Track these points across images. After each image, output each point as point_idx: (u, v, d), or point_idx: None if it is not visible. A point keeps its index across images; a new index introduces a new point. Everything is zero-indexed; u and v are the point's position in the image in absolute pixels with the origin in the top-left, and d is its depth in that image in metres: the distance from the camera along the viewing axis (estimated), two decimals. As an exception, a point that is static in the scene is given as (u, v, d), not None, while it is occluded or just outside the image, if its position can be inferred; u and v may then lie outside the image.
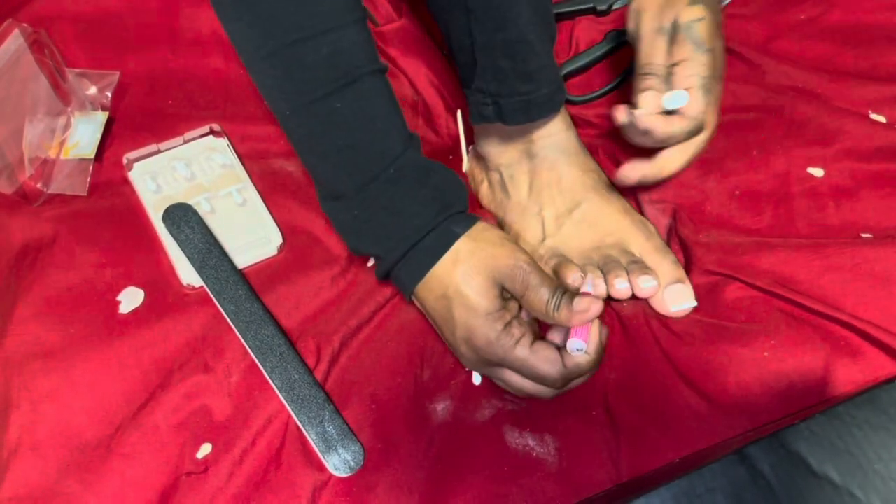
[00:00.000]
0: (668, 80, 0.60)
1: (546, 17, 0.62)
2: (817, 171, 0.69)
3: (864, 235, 0.65)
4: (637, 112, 0.59)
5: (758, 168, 0.70)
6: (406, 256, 0.58)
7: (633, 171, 0.63)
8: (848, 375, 0.59)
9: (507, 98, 0.63)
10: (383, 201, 0.58)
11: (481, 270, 0.56)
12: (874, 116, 0.72)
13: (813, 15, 0.79)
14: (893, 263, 0.62)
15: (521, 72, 0.62)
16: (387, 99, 0.58)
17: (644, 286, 0.63)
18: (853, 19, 0.79)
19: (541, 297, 0.55)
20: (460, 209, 0.59)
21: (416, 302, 0.62)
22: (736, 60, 0.76)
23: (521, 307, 0.59)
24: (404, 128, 0.59)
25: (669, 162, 0.62)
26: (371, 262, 0.68)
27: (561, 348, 0.57)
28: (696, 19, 0.59)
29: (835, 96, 0.73)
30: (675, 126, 0.59)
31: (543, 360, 0.55)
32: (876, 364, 0.59)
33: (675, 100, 0.58)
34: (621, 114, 0.61)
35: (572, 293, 0.56)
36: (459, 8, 0.61)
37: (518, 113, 0.64)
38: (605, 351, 0.58)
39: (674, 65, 0.60)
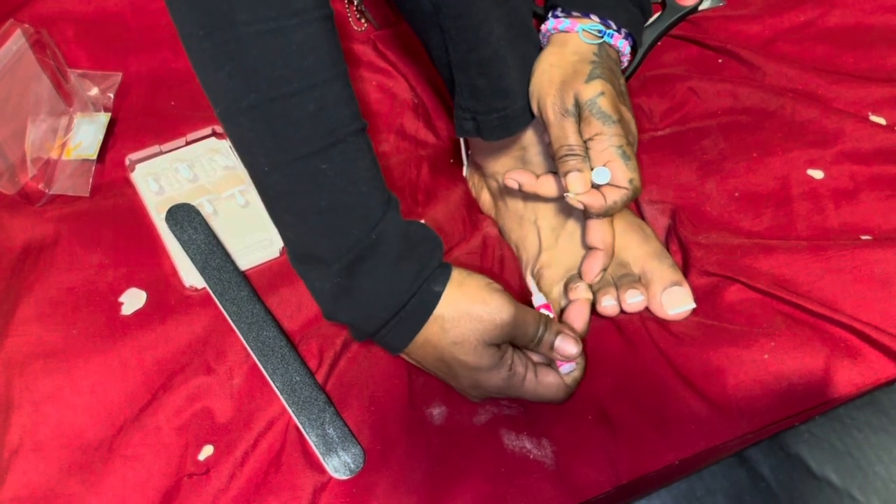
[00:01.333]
0: (587, 156, 0.60)
1: (522, 28, 0.63)
2: (817, 173, 0.69)
3: (863, 237, 0.65)
4: (570, 197, 0.60)
5: (757, 170, 0.70)
6: (388, 324, 0.57)
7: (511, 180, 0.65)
8: (848, 377, 0.59)
9: (484, 115, 0.63)
10: (365, 268, 0.55)
11: (470, 336, 0.56)
12: (874, 118, 0.72)
13: (812, 17, 0.79)
14: (893, 265, 0.63)
15: (497, 88, 0.62)
16: (369, 160, 0.56)
17: (630, 301, 0.64)
18: (853, 21, 0.79)
19: (526, 335, 0.58)
20: (437, 264, 0.58)
21: (409, 356, 0.61)
22: (736, 62, 0.77)
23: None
24: (384, 188, 0.57)
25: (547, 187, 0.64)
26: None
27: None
28: (596, 95, 0.59)
29: (834, 98, 0.74)
30: (611, 198, 0.60)
31: (548, 387, 0.59)
32: (876, 366, 0.59)
33: (600, 177, 0.60)
34: (552, 189, 0.64)
35: (555, 332, 0.59)
36: (434, 28, 0.62)
37: (497, 129, 0.64)
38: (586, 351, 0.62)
39: (588, 140, 0.60)
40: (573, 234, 0.67)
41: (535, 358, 0.61)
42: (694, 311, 0.64)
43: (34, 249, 0.67)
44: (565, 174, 0.60)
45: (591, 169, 0.60)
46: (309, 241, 0.56)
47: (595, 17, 0.62)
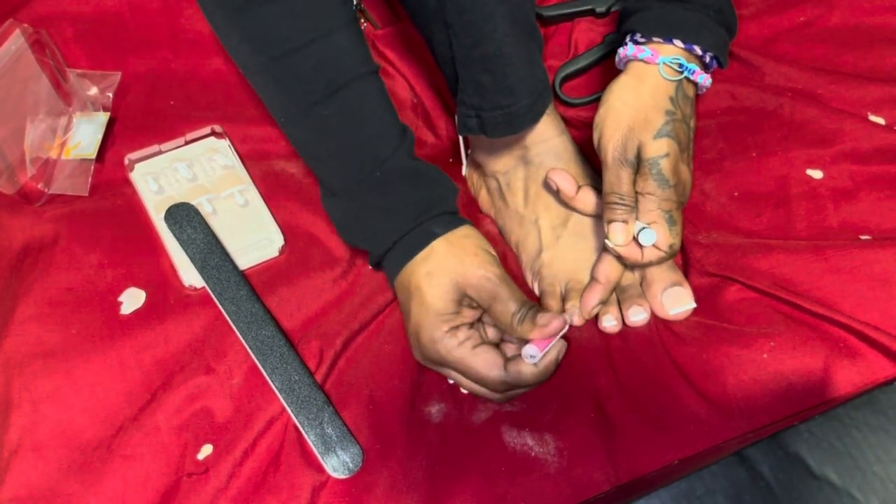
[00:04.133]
0: (635, 208, 0.60)
1: (527, 25, 0.62)
2: (816, 173, 0.69)
3: (863, 237, 0.66)
4: (610, 245, 0.61)
5: (757, 169, 0.70)
6: (389, 252, 0.62)
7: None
8: (847, 377, 0.59)
9: (488, 112, 0.63)
10: (371, 201, 0.61)
11: (446, 273, 0.59)
12: (873, 118, 0.72)
13: (812, 16, 0.79)
14: (892, 265, 0.63)
15: (501, 85, 0.62)
16: (376, 102, 0.61)
17: (634, 318, 0.64)
18: (852, 21, 0.79)
19: (507, 308, 0.58)
20: (446, 210, 0.62)
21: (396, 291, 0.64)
22: (735, 62, 0.77)
23: (479, 318, 0.61)
24: (394, 129, 0.62)
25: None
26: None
27: (508, 359, 0.59)
28: (660, 156, 0.58)
29: (834, 98, 0.74)
30: (647, 257, 0.61)
31: (483, 362, 0.58)
32: (875, 366, 0.59)
33: (646, 238, 0.59)
34: (589, 205, 0.65)
35: (538, 308, 0.58)
36: (439, 23, 0.61)
37: (500, 126, 0.64)
38: (558, 368, 0.60)
39: (639, 193, 0.60)
40: (574, 234, 0.67)
41: (490, 334, 0.62)
42: (694, 311, 0.64)
43: (33, 249, 0.67)
44: (610, 221, 0.60)
45: (637, 219, 0.60)
46: (328, 179, 0.63)
47: (679, 43, 0.60)
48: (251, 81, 0.62)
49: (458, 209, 0.63)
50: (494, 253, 0.61)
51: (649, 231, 0.59)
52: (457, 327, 0.59)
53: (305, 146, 0.63)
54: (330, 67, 0.59)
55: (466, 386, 0.60)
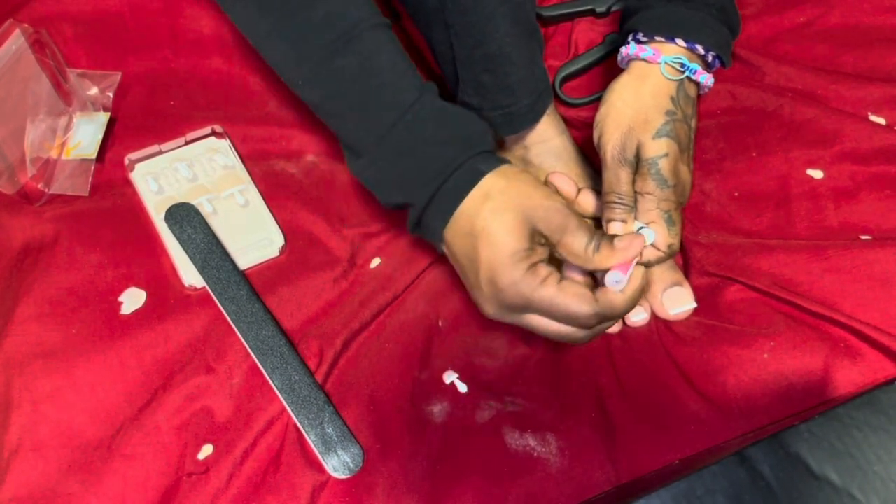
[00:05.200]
0: (634, 208, 0.60)
1: (528, 25, 0.62)
2: (816, 173, 0.69)
3: (863, 237, 0.66)
4: None
5: (757, 169, 0.70)
6: (433, 199, 0.56)
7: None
8: (847, 377, 0.59)
9: (489, 111, 0.63)
10: (404, 148, 0.56)
11: (513, 207, 0.53)
12: (874, 118, 0.72)
13: (812, 17, 0.79)
14: (892, 265, 0.63)
15: (502, 85, 0.62)
16: (392, 51, 0.58)
17: (634, 318, 0.64)
18: (852, 21, 0.79)
19: (579, 239, 0.53)
20: (485, 149, 0.57)
21: (445, 251, 0.58)
22: (735, 62, 0.77)
23: (549, 255, 0.56)
24: (416, 76, 0.58)
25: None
26: (373, 264, 0.68)
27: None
28: (659, 156, 0.58)
29: (834, 98, 0.74)
30: (646, 256, 0.60)
31: (573, 296, 0.53)
32: (875, 366, 0.59)
33: (645, 237, 0.58)
34: (589, 207, 0.64)
35: (611, 236, 0.55)
36: (440, 24, 0.61)
37: (501, 125, 0.64)
38: (642, 294, 0.57)
39: (638, 192, 0.59)
40: None
41: (568, 273, 0.57)
42: (694, 311, 0.64)
43: (33, 249, 0.67)
44: (609, 221, 0.60)
45: (635, 219, 0.60)
46: (353, 138, 0.59)
47: (681, 42, 0.60)
48: (262, 49, 0.60)
49: (496, 148, 0.59)
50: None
51: (649, 232, 0.59)
52: (535, 264, 0.53)
53: (326, 104, 0.59)
54: (340, 18, 0.57)
55: (551, 331, 0.55)
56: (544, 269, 0.54)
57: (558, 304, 0.53)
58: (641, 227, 0.59)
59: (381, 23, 0.58)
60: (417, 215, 0.57)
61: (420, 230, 0.59)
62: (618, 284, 0.54)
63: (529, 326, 0.56)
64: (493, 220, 0.53)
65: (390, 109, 0.57)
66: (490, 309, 0.55)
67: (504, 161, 0.56)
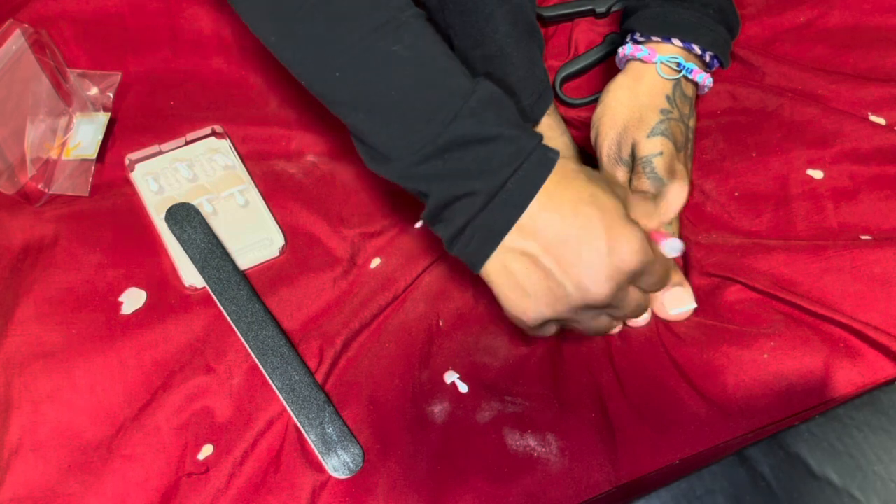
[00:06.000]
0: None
1: (527, 26, 0.62)
2: (816, 173, 0.69)
3: (863, 237, 0.66)
4: None
5: (757, 170, 0.70)
6: (508, 182, 0.50)
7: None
8: (847, 377, 0.59)
9: None
10: (473, 133, 0.50)
11: (599, 177, 0.52)
12: (874, 118, 0.72)
13: (812, 17, 0.79)
14: (893, 265, 0.63)
15: (502, 85, 0.61)
16: (440, 40, 0.53)
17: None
18: (852, 21, 0.79)
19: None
20: (541, 138, 0.53)
21: (516, 246, 0.51)
22: (735, 62, 0.77)
23: None
24: (462, 65, 0.53)
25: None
26: (374, 264, 0.68)
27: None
28: (654, 154, 0.58)
29: (834, 98, 0.74)
30: None
31: (662, 254, 0.54)
32: (875, 366, 0.59)
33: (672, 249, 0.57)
34: None
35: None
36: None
37: None
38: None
39: (634, 191, 0.59)
40: None
41: None
42: (694, 312, 0.64)
43: (33, 249, 0.67)
44: None
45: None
46: (403, 131, 0.51)
47: (677, 42, 0.60)
48: (285, 36, 0.53)
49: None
50: None
51: (677, 241, 0.56)
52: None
53: (370, 96, 0.52)
54: (387, 1, 0.51)
55: (633, 305, 0.53)
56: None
57: (665, 261, 0.53)
58: (673, 241, 0.57)
59: (421, 12, 0.53)
60: (474, 212, 0.51)
61: (468, 236, 0.52)
62: (675, 251, 0.54)
63: (628, 302, 0.53)
64: (599, 187, 0.50)
65: (452, 95, 0.51)
66: (607, 287, 0.50)
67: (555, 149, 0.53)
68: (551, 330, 0.54)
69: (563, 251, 0.50)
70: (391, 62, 0.51)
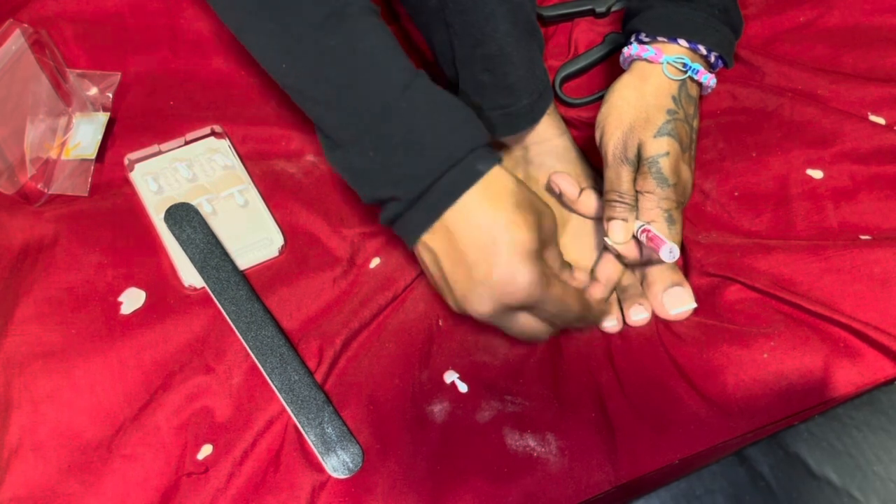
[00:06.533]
0: (635, 206, 0.60)
1: (527, 26, 0.62)
2: (816, 173, 0.69)
3: (863, 237, 0.66)
4: (609, 243, 0.61)
5: (757, 169, 0.70)
6: (425, 194, 0.52)
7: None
8: (847, 377, 0.59)
9: (489, 110, 0.63)
10: (397, 137, 0.52)
11: (527, 205, 0.53)
12: (873, 118, 0.72)
13: (812, 17, 0.79)
14: (892, 265, 0.63)
15: (502, 85, 0.62)
16: (383, 35, 0.54)
17: (635, 318, 0.64)
18: (852, 21, 0.79)
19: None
20: (482, 143, 0.54)
21: (422, 249, 0.55)
22: (735, 62, 0.77)
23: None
24: (407, 60, 0.54)
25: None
26: (373, 264, 0.68)
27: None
28: (660, 155, 0.58)
29: (834, 98, 0.73)
30: (648, 255, 0.61)
31: (574, 293, 0.56)
32: (875, 366, 0.59)
33: (669, 255, 0.58)
34: (590, 208, 0.65)
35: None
36: (439, 23, 0.61)
37: (501, 125, 0.64)
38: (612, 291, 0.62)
39: (639, 191, 0.60)
40: (575, 231, 0.67)
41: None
42: (694, 311, 0.64)
43: (33, 249, 0.67)
44: (609, 219, 0.60)
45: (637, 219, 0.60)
46: (339, 124, 0.54)
47: (683, 42, 0.60)
48: (247, 31, 0.55)
49: (490, 139, 0.55)
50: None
51: (674, 246, 0.57)
52: (543, 262, 0.54)
53: (311, 88, 0.54)
54: None
55: (529, 329, 0.56)
56: (549, 267, 0.54)
57: (566, 301, 0.54)
58: (643, 226, 0.59)
59: (370, 7, 0.54)
60: (401, 209, 0.54)
61: (399, 223, 0.55)
62: (672, 256, 0.56)
63: (514, 325, 0.56)
64: (513, 215, 0.52)
65: (384, 91, 0.52)
66: (486, 307, 0.53)
67: (498, 159, 0.54)
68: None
69: (458, 264, 0.53)
70: (332, 56, 0.52)
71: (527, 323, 0.56)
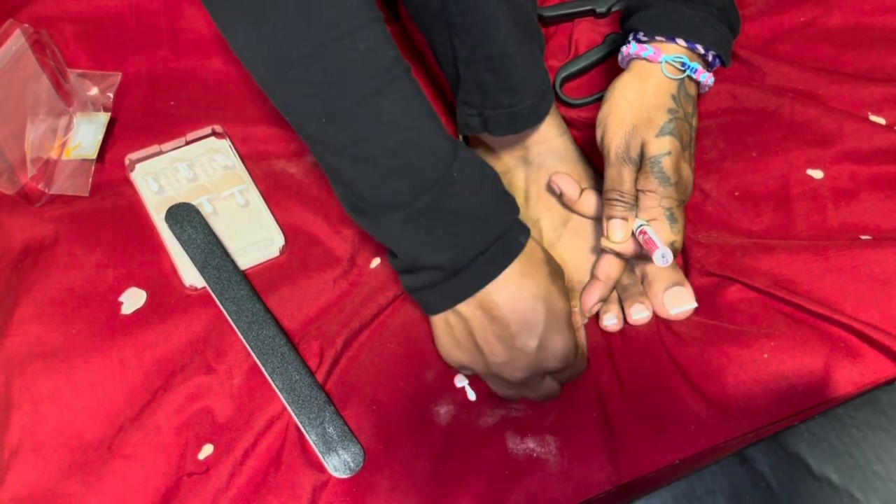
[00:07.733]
0: (636, 206, 0.60)
1: (528, 26, 0.62)
2: (817, 173, 0.69)
3: (863, 237, 0.66)
4: (607, 244, 0.61)
5: (757, 169, 0.70)
6: (476, 261, 0.55)
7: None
8: (847, 377, 0.59)
9: (491, 110, 0.63)
10: (451, 206, 0.53)
11: (560, 274, 0.60)
12: (874, 118, 0.72)
13: (812, 17, 0.79)
14: (893, 265, 0.63)
15: (504, 85, 0.62)
16: (426, 99, 0.54)
17: (636, 317, 0.64)
18: (853, 21, 0.79)
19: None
20: (518, 213, 0.58)
21: (462, 312, 0.57)
22: (736, 62, 0.77)
23: None
24: (446, 129, 0.55)
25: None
26: (374, 264, 0.68)
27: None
28: (662, 154, 0.59)
29: (834, 98, 0.74)
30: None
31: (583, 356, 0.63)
32: (875, 365, 0.59)
33: (663, 259, 0.58)
34: (591, 208, 0.66)
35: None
36: (441, 23, 0.61)
37: (503, 125, 0.64)
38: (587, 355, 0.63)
39: (640, 190, 0.60)
40: (575, 234, 0.67)
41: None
42: (695, 311, 0.64)
43: (34, 249, 0.67)
44: (609, 218, 0.60)
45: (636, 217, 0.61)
46: (383, 187, 0.53)
47: (681, 41, 0.60)
48: (279, 81, 0.52)
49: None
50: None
51: (666, 250, 0.58)
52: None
53: (355, 148, 0.52)
54: (382, 56, 0.51)
55: (545, 389, 0.60)
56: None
57: (581, 362, 0.61)
58: (642, 224, 0.59)
59: (408, 67, 0.53)
60: (440, 278, 0.55)
61: (432, 291, 0.57)
62: (664, 260, 0.57)
63: (541, 389, 0.60)
64: (551, 286, 0.57)
65: (434, 160, 0.53)
66: (523, 373, 0.57)
67: (528, 229, 0.58)
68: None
69: (496, 333, 0.56)
70: (382, 118, 0.52)
71: (549, 385, 0.60)
